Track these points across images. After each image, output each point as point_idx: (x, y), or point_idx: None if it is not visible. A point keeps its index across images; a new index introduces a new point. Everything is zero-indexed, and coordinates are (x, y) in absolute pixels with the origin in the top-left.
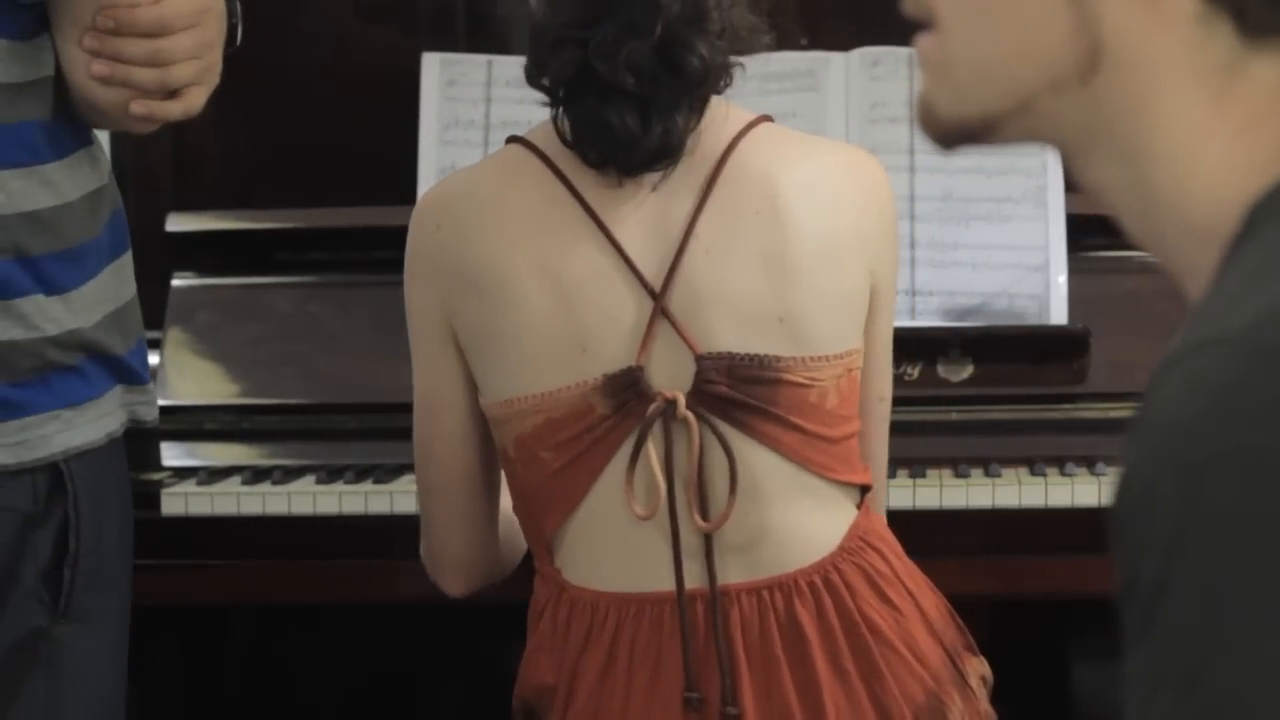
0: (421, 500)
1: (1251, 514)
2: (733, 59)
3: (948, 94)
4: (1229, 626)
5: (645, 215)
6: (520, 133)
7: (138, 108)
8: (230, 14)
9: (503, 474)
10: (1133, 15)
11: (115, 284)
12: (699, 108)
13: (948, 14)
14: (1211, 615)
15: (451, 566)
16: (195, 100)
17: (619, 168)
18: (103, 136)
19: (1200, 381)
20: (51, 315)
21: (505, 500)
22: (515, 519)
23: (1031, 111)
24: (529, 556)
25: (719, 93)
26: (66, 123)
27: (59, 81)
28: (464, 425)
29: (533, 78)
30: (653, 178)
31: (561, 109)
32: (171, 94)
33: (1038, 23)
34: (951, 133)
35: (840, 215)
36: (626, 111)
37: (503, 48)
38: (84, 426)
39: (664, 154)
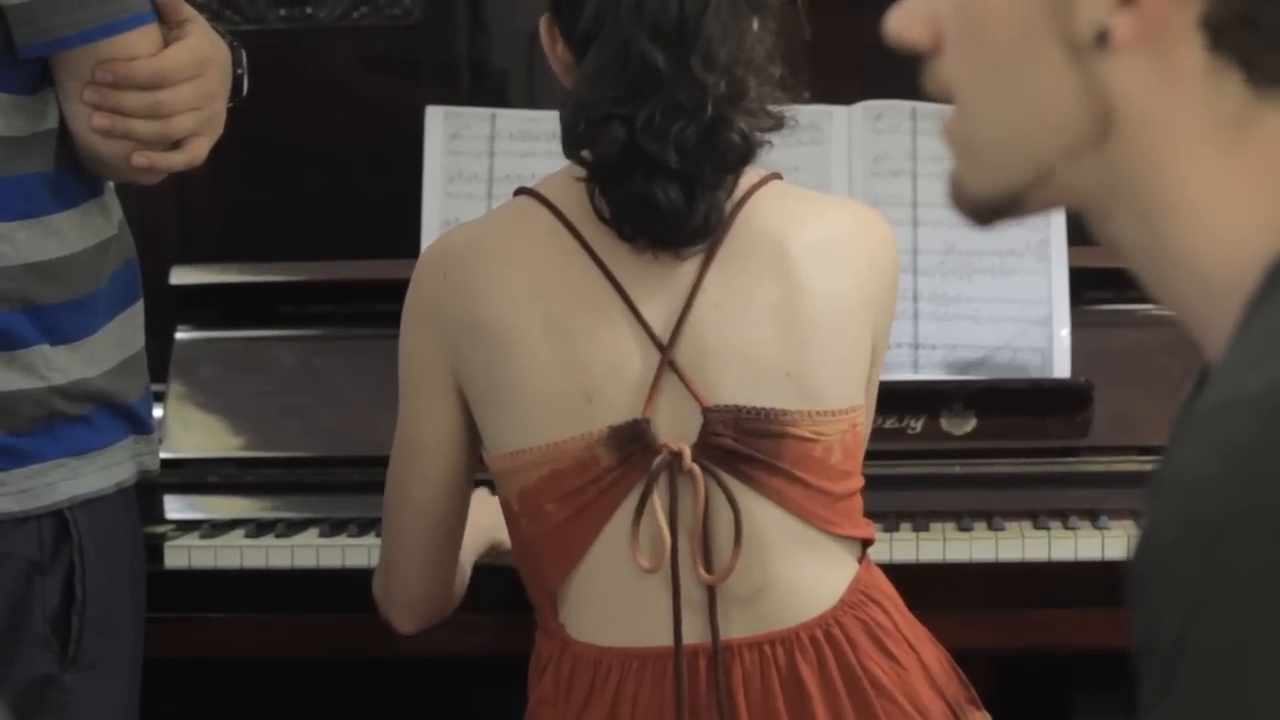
0: (388, 541)
1: (1272, 579)
2: (761, 135)
3: (974, 172)
4: (1249, 692)
5: (654, 268)
6: (522, 185)
7: (139, 159)
8: (235, 64)
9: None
10: (1141, 75)
11: (127, 333)
12: (734, 182)
13: (963, 93)
14: (1231, 680)
15: (409, 607)
16: (198, 151)
17: (657, 244)
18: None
19: (1221, 443)
20: (57, 365)
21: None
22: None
23: (1052, 181)
24: (531, 610)
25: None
26: (72, 173)
27: (64, 133)
28: (447, 473)
29: (571, 151)
30: None
31: (599, 187)
32: (174, 145)
33: (1048, 93)
34: (982, 210)
35: (848, 274)
36: (671, 189)
37: (506, 101)
38: (90, 475)
39: (705, 232)
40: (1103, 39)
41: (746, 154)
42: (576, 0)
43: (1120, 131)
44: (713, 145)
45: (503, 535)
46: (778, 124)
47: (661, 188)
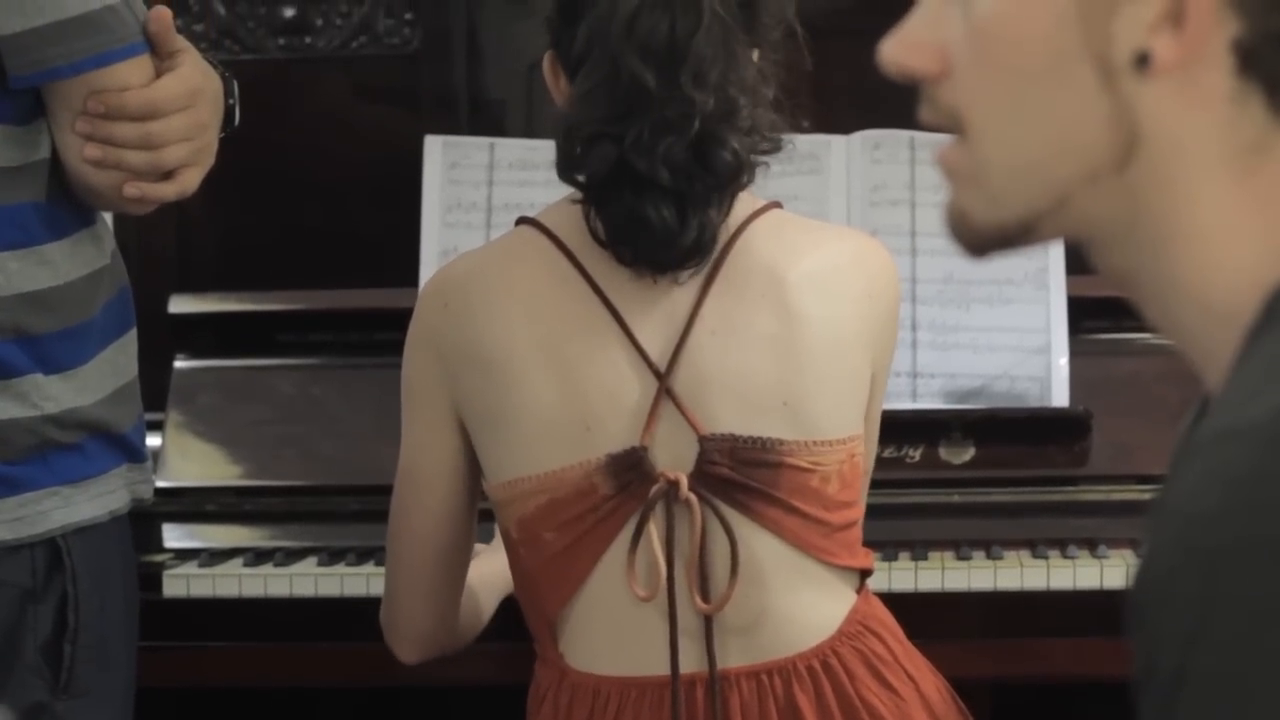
0: (390, 570)
1: (1272, 607)
2: (756, 156)
3: (982, 201)
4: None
5: (652, 296)
6: (521, 214)
7: (131, 190)
8: (227, 95)
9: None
10: (1169, 97)
11: (120, 361)
12: (728, 203)
13: (979, 120)
14: (1232, 708)
15: (410, 637)
16: (189, 181)
17: (653, 265)
18: (106, 217)
19: (1221, 472)
20: (50, 393)
21: (470, 572)
22: (476, 591)
23: (1067, 207)
24: (530, 639)
25: (744, 189)
26: (64, 203)
27: (56, 163)
28: (446, 503)
29: (565, 173)
30: None
31: (594, 208)
32: (165, 175)
33: (1075, 116)
34: (989, 240)
35: (847, 303)
36: (663, 206)
37: (504, 130)
38: (84, 504)
39: (698, 250)
40: (1142, 61)
41: (738, 171)
42: (571, 26)
43: (1142, 156)
44: (703, 162)
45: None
46: (775, 147)
47: (653, 206)
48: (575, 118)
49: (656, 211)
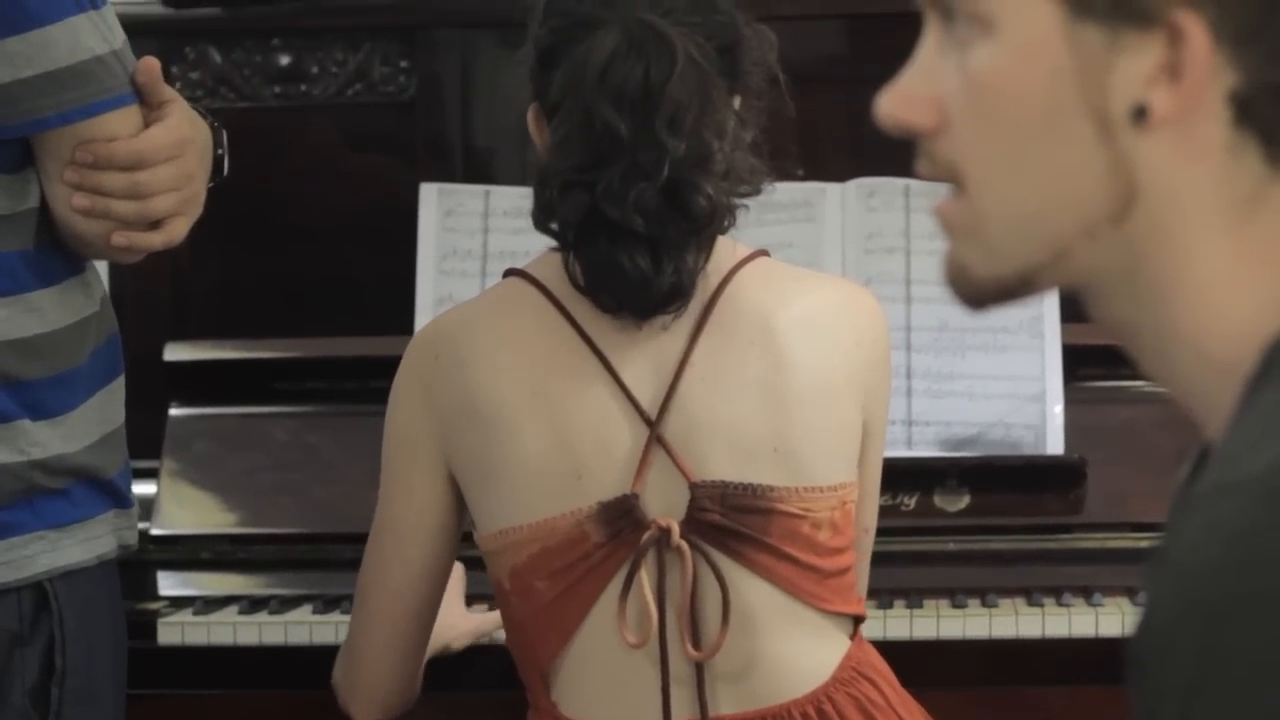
0: (359, 625)
1: (1270, 660)
2: (735, 200)
3: (981, 254)
4: None
5: (642, 344)
6: (517, 263)
7: (119, 239)
8: (216, 145)
9: None
10: (1166, 149)
11: (108, 408)
12: (707, 248)
13: (977, 173)
14: None
15: (376, 698)
16: (177, 231)
17: (632, 311)
18: (101, 265)
19: (1219, 526)
20: (38, 439)
21: None
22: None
23: (1066, 259)
24: (523, 688)
25: (723, 233)
26: (53, 252)
27: (45, 212)
28: (429, 557)
29: (540, 223)
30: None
31: (572, 254)
32: (154, 224)
33: (1073, 169)
34: (988, 293)
35: (836, 351)
36: (637, 253)
37: (499, 178)
38: (70, 548)
39: (675, 295)
40: (1140, 115)
41: (713, 216)
42: (548, 73)
43: (1140, 208)
44: (676, 207)
45: (451, 636)
46: (754, 190)
47: (626, 253)
48: (549, 166)
49: (630, 259)
